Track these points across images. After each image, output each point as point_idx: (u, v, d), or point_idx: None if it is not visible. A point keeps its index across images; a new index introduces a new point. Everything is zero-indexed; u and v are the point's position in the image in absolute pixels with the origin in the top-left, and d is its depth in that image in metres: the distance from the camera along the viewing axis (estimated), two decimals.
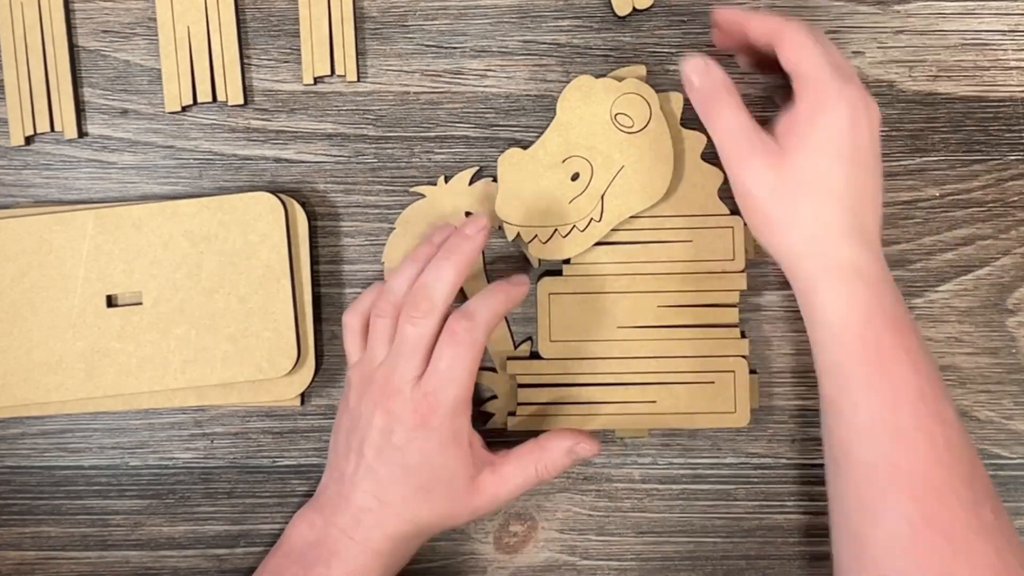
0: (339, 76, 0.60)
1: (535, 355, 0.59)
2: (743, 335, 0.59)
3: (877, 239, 0.51)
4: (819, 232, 0.50)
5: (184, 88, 0.59)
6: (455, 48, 0.60)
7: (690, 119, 0.59)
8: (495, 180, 0.58)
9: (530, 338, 0.59)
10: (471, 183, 0.59)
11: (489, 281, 0.59)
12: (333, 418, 0.59)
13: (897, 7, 0.59)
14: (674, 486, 0.60)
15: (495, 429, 0.59)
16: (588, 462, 0.59)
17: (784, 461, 0.59)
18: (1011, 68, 0.59)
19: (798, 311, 0.59)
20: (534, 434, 0.55)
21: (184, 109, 0.60)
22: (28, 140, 0.60)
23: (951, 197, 0.59)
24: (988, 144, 0.59)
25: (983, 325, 0.59)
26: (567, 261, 0.58)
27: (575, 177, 0.57)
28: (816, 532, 0.59)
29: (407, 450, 0.52)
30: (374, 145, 0.60)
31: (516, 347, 0.59)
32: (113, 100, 0.60)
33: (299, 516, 0.54)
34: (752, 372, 0.59)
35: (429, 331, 0.52)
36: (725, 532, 0.60)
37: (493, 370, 0.59)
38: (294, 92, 0.60)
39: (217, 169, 0.60)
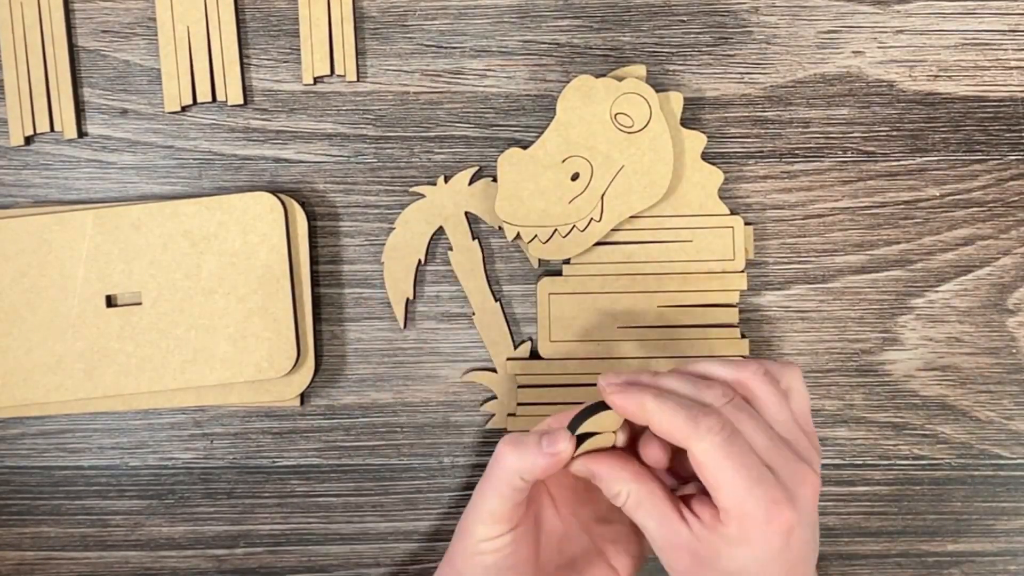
0: (339, 76, 0.60)
1: (535, 355, 0.59)
2: (743, 335, 0.59)
3: None
4: None
5: (184, 88, 0.59)
6: (455, 48, 0.60)
7: (690, 119, 0.59)
8: (495, 180, 0.58)
9: (530, 338, 0.59)
10: (471, 183, 0.59)
11: (488, 280, 0.59)
12: (333, 418, 0.59)
13: (897, 7, 0.59)
14: None
15: (495, 429, 0.59)
16: None
17: None
18: (1011, 68, 0.59)
19: (798, 311, 0.59)
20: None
21: (184, 109, 0.60)
22: (28, 140, 0.60)
23: (951, 197, 0.59)
24: (988, 144, 0.59)
25: (983, 325, 0.59)
26: (567, 261, 0.58)
27: (575, 177, 0.57)
28: None
29: None
30: (374, 145, 0.60)
31: (516, 347, 0.59)
32: (113, 100, 0.60)
33: None
34: None
35: None
36: None
37: (493, 370, 0.59)
38: (294, 92, 0.60)
39: (217, 169, 0.60)
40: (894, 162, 0.59)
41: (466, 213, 0.59)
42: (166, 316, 0.57)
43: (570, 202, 0.57)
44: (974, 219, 0.59)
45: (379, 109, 0.59)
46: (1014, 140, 0.59)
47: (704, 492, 0.45)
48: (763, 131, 0.59)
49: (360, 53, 0.60)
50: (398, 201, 0.59)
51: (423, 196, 0.59)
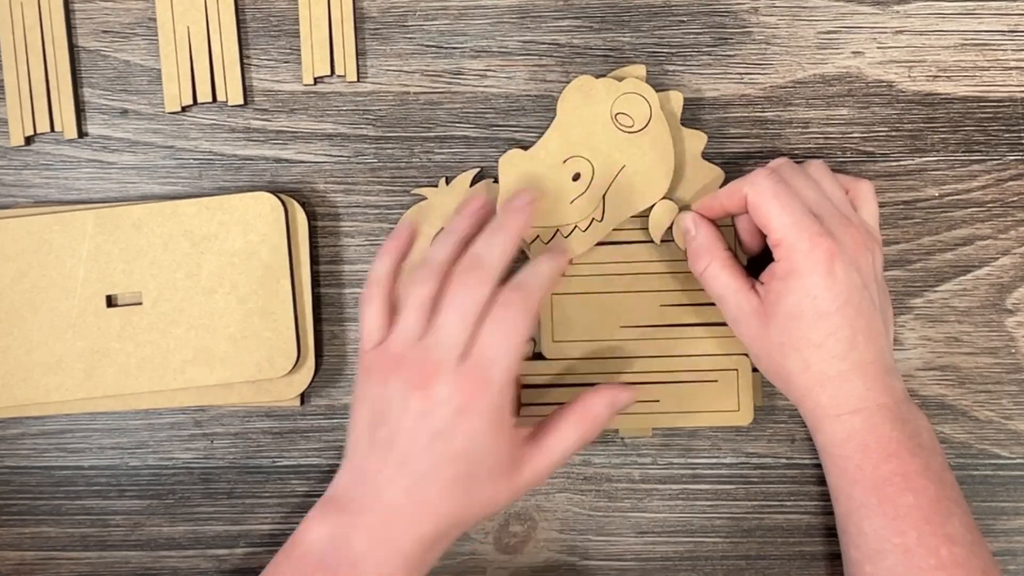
0: (339, 76, 0.60)
1: (538, 356, 0.59)
2: None
3: (878, 367, 0.51)
4: (810, 381, 0.52)
5: (184, 88, 0.59)
6: (455, 48, 0.60)
7: (690, 119, 0.59)
8: (496, 181, 0.58)
9: (533, 339, 0.59)
10: (472, 185, 0.59)
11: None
12: (333, 418, 0.59)
13: (897, 7, 0.59)
14: (674, 486, 0.60)
15: None
16: (588, 462, 0.59)
17: (784, 461, 0.59)
18: (1011, 68, 0.59)
19: None
20: None
21: (184, 109, 0.60)
22: (28, 140, 0.60)
23: (950, 197, 0.59)
24: (987, 144, 0.59)
25: (982, 325, 0.59)
26: (569, 262, 0.58)
27: (576, 177, 0.57)
28: (816, 532, 0.59)
29: (451, 435, 0.48)
30: (374, 145, 0.60)
31: None
32: (113, 100, 0.60)
33: (315, 518, 0.49)
34: (754, 370, 0.59)
35: (482, 300, 0.49)
36: (725, 532, 0.60)
37: None
38: (294, 92, 0.60)
39: (217, 169, 0.60)
40: (893, 162, 0.59)
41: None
42: (166, 316, 0.57)
43: (572, 202, 0.57)
44: (973, 219, 0.59)
45: (379, 109, 0.60)
46: (1013, 140, 0.59)
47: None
48: (763, 131, 0.59)
49: (360, 53, 0.60)
50: (398, 201, 0.60)
51: (425, 198, 0.59)
